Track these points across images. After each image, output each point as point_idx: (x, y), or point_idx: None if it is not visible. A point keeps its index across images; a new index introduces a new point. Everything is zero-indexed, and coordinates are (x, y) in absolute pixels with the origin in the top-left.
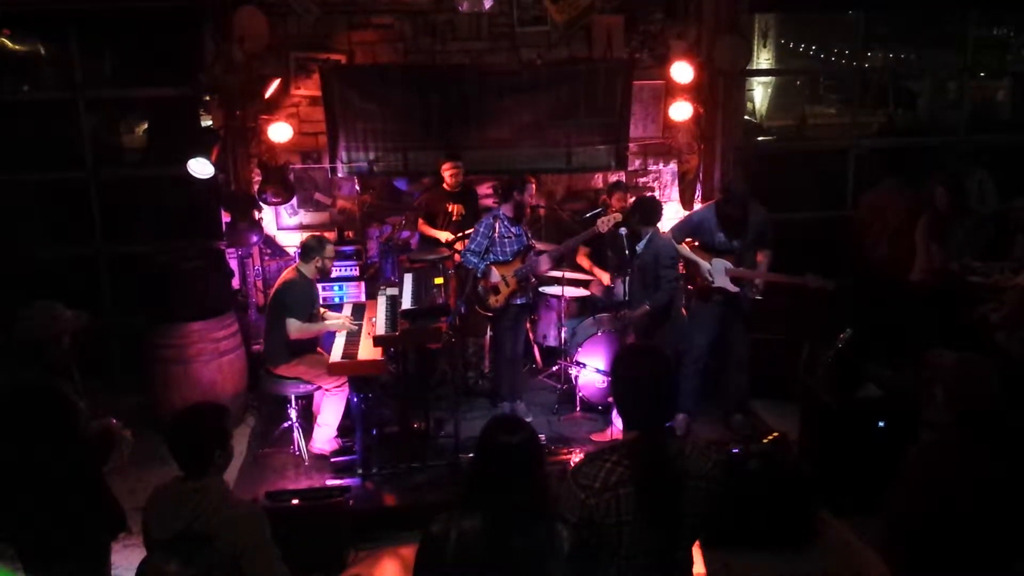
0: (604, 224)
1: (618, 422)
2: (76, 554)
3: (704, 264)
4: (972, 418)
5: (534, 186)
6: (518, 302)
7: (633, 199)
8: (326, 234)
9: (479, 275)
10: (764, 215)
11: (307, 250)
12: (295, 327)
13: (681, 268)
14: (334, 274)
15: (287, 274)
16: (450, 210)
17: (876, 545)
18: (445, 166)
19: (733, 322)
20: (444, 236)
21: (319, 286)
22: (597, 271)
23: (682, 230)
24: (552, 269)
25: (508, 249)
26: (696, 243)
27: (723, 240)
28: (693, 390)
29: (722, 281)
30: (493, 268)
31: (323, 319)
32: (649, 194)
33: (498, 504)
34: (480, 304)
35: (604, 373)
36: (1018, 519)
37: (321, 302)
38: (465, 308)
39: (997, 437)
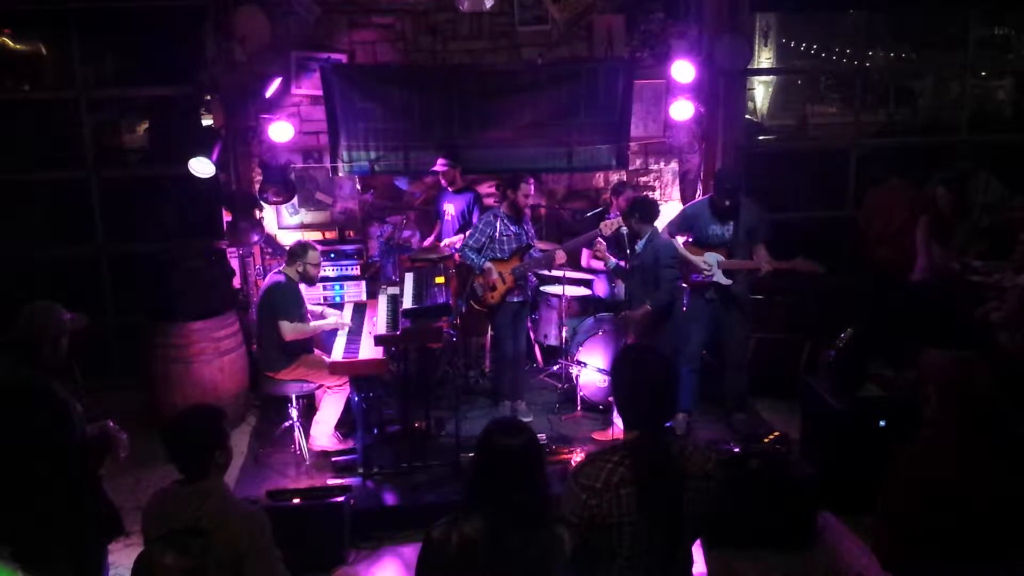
0: (607, 227)
1: (619, 422)
2: (71, 556)
3: (697, 259)
4: (969, 418)
5: (531, 186)
6: (515, 300)
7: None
8: (327, 234)
9: (477, 271)
10: (757, 211)
11: (291, 255)
12: (289, 328)
13: None
14: (335, 274)
15: (272, 277)
16: (443, 210)
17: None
18: (437, 162)
19: (729, 319)
20: (446, 242)
21: (320, 285)
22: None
23: (677, 224)
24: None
25: (506, 247)
26: (689, 239)
27: (716, 232)
28: (691, 388)
29: (717, 275)
30: (491, 265)
31: (320, 317)
32: (646, 193)
33: (499, 508)
34: (475, 299)
35: (605, 372)
36: (1016, 518)
37: (322, 301)
38: (466, 307)
39: (995, 436)
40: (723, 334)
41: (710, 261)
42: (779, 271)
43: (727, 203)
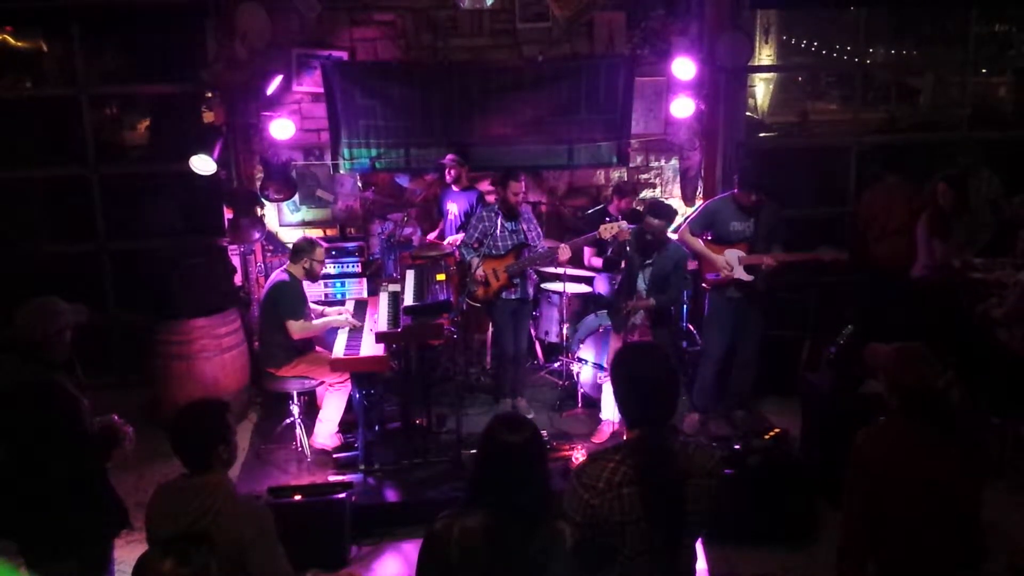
0: (607, 231)
1: (606, 423)
2: (78, 551)
3: (717, 258)
4: (914, 405)
5: (521, 183)
6: (513, 297)
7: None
8: (328, 231)
9: (468, 267)
10: (776, 208)
11: (297, 251)
12: (297, 327)
13: (694, 265)
14: (336, 271)
15: (277, 275)
16: (446, 208)
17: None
18: (446, 157)
19: (748, 317)
20: (449, 240)
21: (321, 283)
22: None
23: (700, 222)
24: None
25: (501, 244)
26: (708, 236)
27: (738, 228)
28: (710, 389)
29: (738, 272)
30: (480, 261)
31: (322, 315)
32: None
33: (501, 503)
34: (468, 295)
35: (605, 369)
36: (957, 503)
37: (324, 299)
38: (466, 304)
39: (943, 417)
40: (739, 331)
41: (730, 259)
42: (803, 263)
43: (753, 197)
